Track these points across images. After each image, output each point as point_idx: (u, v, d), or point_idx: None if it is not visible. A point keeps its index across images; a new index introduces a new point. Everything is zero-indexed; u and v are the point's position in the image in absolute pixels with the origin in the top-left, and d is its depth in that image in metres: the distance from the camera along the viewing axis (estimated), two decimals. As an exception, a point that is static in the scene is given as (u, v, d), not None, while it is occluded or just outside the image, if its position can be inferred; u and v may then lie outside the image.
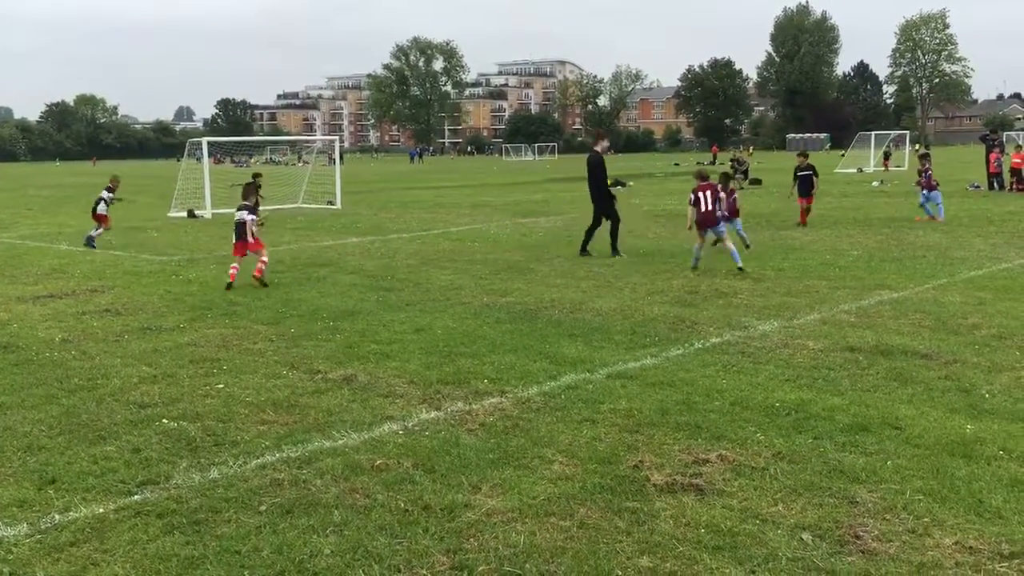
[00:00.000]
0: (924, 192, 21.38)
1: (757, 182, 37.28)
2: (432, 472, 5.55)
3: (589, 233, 16.15)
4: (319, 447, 6.06)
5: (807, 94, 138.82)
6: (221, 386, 7.65)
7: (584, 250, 15.89)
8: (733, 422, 6.42)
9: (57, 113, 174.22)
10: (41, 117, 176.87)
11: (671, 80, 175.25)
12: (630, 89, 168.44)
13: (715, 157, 75.71)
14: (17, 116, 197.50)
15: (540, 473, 5.51)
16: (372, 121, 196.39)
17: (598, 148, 17.25)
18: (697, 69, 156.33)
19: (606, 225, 16.12)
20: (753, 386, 7.34)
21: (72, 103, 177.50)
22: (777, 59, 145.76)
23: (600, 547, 4.50)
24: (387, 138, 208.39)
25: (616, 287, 12.44)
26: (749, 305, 10.89)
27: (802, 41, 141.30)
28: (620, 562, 4.35)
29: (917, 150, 47.07)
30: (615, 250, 15.77)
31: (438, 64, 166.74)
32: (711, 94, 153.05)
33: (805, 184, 20.46)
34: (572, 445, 6.02)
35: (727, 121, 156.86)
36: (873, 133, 56.66)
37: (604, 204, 16.25)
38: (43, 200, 27.77)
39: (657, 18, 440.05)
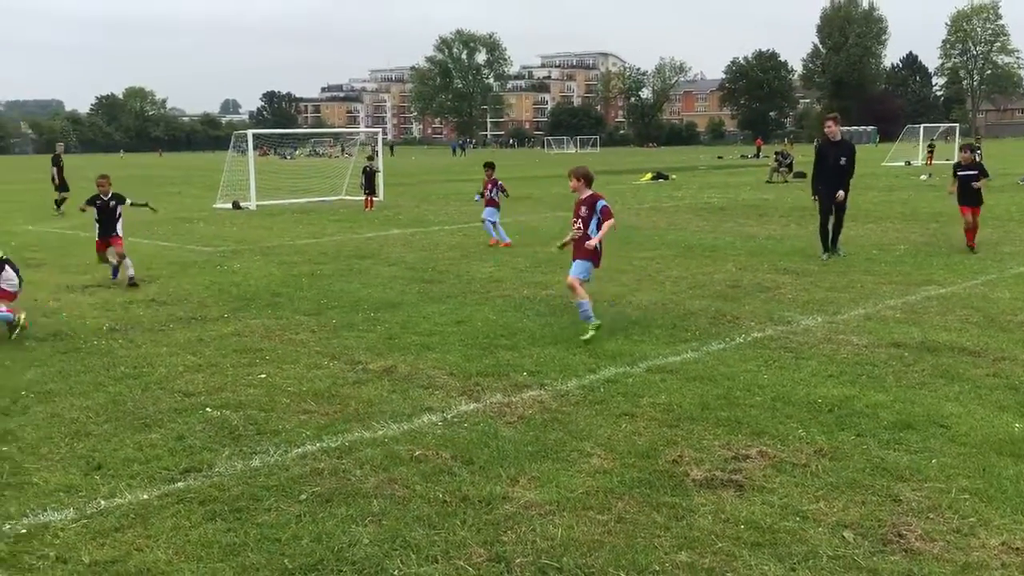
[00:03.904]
0: None
1: (801, 175, 36.77)
2: (471, 464, 5.57)
3: (836, 229, 14.43)
4: (359, 437, 6.11)
5: (854, 86, 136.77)
6: (263, 376, 7.73)
7: (835, 247, 14.34)
8: (774, 418, 6.35)
9: (107, 106, 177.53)
10: (91, 109, 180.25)
11: (715, 72, 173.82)
12: (673, 81, 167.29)
13: (759, 150, 74.87)
14: (68, 108, 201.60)
15: (578, 466, 5.50)
16: (415, 113, 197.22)
17: (836, 131, 14.40)
18: (742, 61, 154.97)
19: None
20: (795, 381, 7.25)
21: (122, 96, 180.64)
22: (823, 51, 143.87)
23: (638, 541, 4.48)
24: (430, 130, 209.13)
25: (657, 280, 12.36)
26: (792, 300, 10.76)
27: (849, 32, 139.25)
28: (658, 557, 4.32)
29: (976, 142, 46.04)
30: (836, 246, 14.41)
31: (481, 57, 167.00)
32: (756, 86, 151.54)
33: (967, 190, 14.86)
34: (611, 439, 6.00)
35: (772, 114, 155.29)
36: (922, 126, 55.68)
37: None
38: (88, 191, 28.29)
39: (702, 9, 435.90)
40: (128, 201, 13.33)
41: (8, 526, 4.77)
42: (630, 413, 6.54)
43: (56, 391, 7.39)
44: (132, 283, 12.59)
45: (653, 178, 39.20)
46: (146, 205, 13.99)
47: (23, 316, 9.57)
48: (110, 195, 13.15)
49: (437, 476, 5.37)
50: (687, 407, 6.64)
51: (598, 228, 8.87)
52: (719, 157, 73.41)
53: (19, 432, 6.34)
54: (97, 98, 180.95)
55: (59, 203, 26.32)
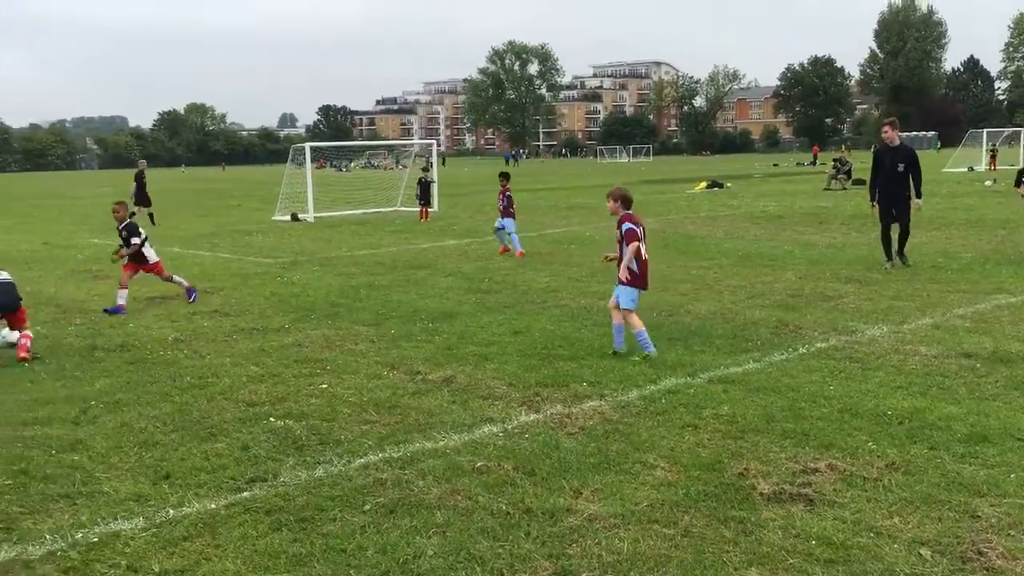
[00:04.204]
0: None
1: (860, 182, 36.11)
2: (533, 475, 5.53)
3: (902, 238, 13.87)
4: (420, 448, 6.11)
5: (913, 91, 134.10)
6: (325, 386, 7.80)
7: (902, 255, 13.84)
8: (842, 430, 6.21)
9: (169, 121, 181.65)
10: (154, 125, 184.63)
11: (769, 79, 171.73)
12: (727, 89, 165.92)
13: (816, 157, 73.77)
14: (132, 124, 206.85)
15: (642, 479, 5.43)
16: (468, 125, 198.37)
17: (894, 137, 13.92)
18: (797, 67, 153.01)
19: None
20: (862, 393, 7.08)
21: (183, 111, 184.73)
22: (881, 56, 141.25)
23: (706, 556, 4.40)
24: (482, 141, 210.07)
25: (715, 290, 12.21)
26: (855, 309, 10.54)
27: (908, 37, 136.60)
28: (727, 573, 4.24)
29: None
30: (902, 254, 13.89)
31: (533, 67, 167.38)
32: (811, 92, 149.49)
33: None
34: (674, 451, 5.92)
35: (828, 120, 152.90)
36: (985, 130, 54.29)
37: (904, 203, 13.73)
38: (157, 205, 29.02)
39: (756, 17, 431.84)
40: (133, 240, 12.14)
41: (80, 534, 4.86)
42: (693, 424, 6.45)
43: (125, 401, 7.53)
44: (191, 290, 12.53)
45: (708, 186, 38.83)
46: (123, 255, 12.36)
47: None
48: (124, 223, 12.28)
49: (500, 487, 5.35)
50: (751, 419, 6.52)
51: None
52: (774, 165, 72.49)
53: (90, 441, 6.47)
54: (159, 114, 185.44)
55: (145, 215, 27.16)
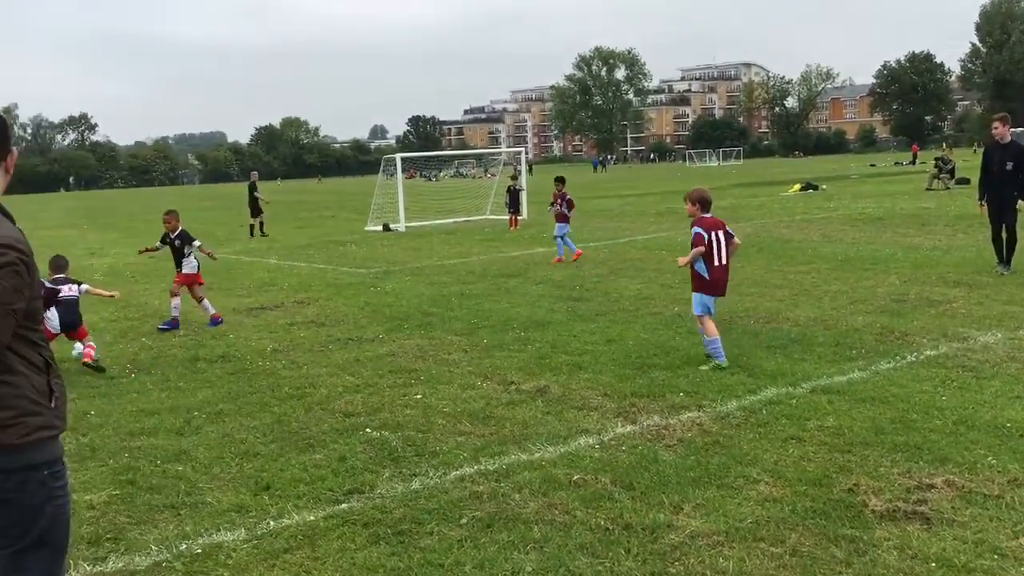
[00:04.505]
0: None
1: (964, 181, 34.70)
2: (631, 489, 5.41)
3: (1008, 246, 13.13)
4: (516, 460, 6.05)
5: (1018, 86, 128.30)
6: (419, 396, 7.82)
7: (1008, 265, 13.02)
8: (958, 443, 5.89)
9: (265, 135, 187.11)
10: (251, 140, 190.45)
11: (864, 77, 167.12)
12: (820, 88, 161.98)
13: (915, 156, 71.23)
14: (230, 139, 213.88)
15: (745, 494, 5.25)
16: (555, 132, 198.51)
17: (1005, 133, 13.30)
18: (893, 64, 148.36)
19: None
20: (978, 403, 6.72)
21: (278, 126, 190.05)
22: (983, 49, 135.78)
23: (816, 577, 4.20)
24: (570, 148, 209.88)
25: (814, 295, 11.84)
26: (966, 314, 10.07)
27: (1012, 29, 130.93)
28: (840, 595, 4.04)
29: None
30: (1009, 264, 13.09)
31: (620, 73, 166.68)
32: (909, 90, 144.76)
33: None
34: (778, 464, 5.71)
35: (927, 118, 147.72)
36: (1101, 124, 51.57)
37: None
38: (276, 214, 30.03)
39: (848, 15, 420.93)
40: (196, 243, 12.24)
41: (184, 545, 4.94)
42: (797, 437, 6.22)
43: (226, 411, 7.69)
44: (215, 322, 11.97)
45: (802, 188, 37.85)
46: (210, 254, 12.89)
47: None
48: (177, 232, 12.27)
49: (597, 502, 5.24)
50: (859, 431, 6.25)
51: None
52: (872, 165, 70.33)
53: (193, 452, 6.61)
54: (256, 128, 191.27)
55: (253, 228, 28.33)
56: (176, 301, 12.09)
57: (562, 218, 17.44)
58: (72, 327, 9.79)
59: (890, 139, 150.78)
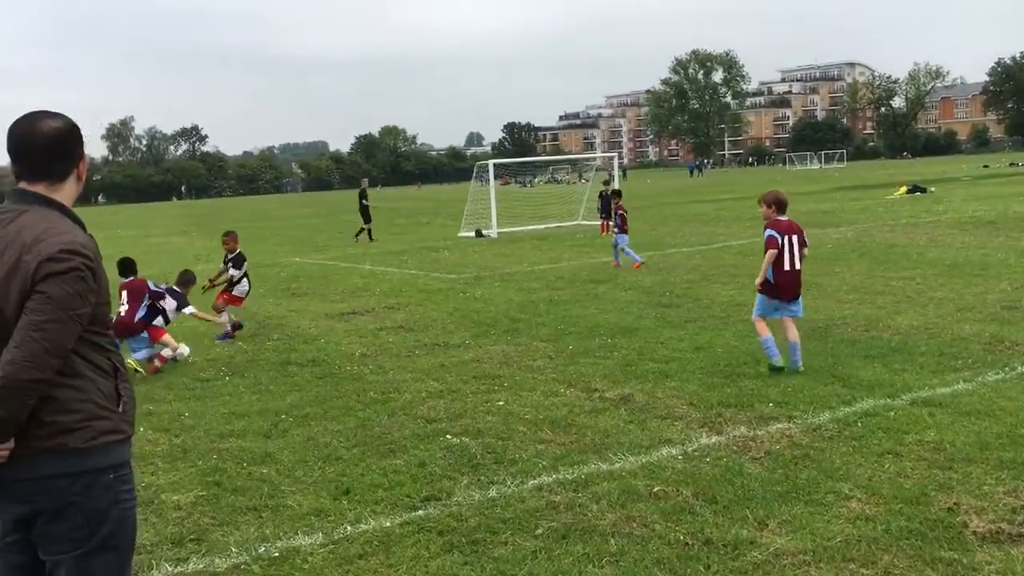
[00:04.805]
0: None
1: (1087, 182, 32.87)
2: (714, 503, 5.22)
3: None
4: (595, 470, 5.92)
5: None
6: (501, 403, 7.76)
7: None
8: (1071, 462, 5.50)
9: (365, 144, 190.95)
10: (351, 149, 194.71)
11: (975, 76, 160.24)
12: (929, 87, 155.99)
13: (1033, 156, 67.84)
14: (332, 148, 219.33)
15: (835, 511, 5.00)
16: (651, 136, 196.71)
17: None
18: (1008, 61, 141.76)
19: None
20: (1095, 419, 6.28)
21: (377, 134, 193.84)
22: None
23: (909, 602, 3.96)
24: (666, 153, 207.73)
25: (918, 302, 11.33)
26: (1085, 323, 9.46)
27: None
28: (934, 622, 3.79)
29: None
30: None
31: (718, 75, 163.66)
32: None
33: None
34: (872, 480, 5.43)
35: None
36: None
37: None
38: (354, 226, 30.53)
39: (958, 10, 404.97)
40: (232, 271, 12.12)
41: (263, 548, 4.99)
42: (893, 452, 5.91)
43: (312, 415, 7.78)
44: (229, 334, 11.79)
45: (908, 191, 36.46)
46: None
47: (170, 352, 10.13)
48: (235, 253, 12.24)
49: (678, 515, 5.07)
50: (962, 446, 5.90)
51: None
52: (984, 166, 67.29)
53: (278, 455, 6.70)
54: (356, 137, 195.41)
55: (360, 233, 29.16)
56: (224, 316, 11.94)
57: (622, 230, 17.88)
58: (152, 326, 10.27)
59: (1005, 139, 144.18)
